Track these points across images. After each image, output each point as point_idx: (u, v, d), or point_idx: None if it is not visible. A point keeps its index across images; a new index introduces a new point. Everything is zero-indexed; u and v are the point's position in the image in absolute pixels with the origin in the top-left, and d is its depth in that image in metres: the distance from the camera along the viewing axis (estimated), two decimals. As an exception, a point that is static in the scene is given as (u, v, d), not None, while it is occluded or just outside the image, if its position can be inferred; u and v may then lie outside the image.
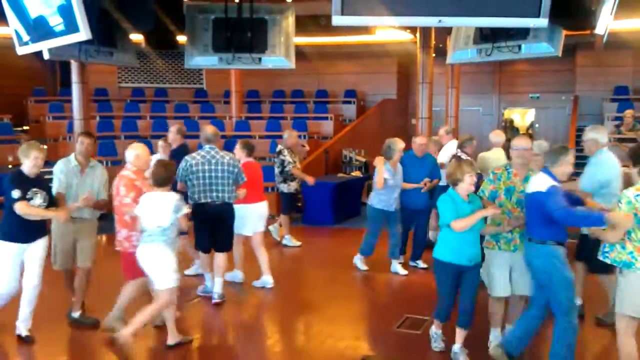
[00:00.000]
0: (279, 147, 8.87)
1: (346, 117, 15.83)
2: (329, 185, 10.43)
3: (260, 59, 8.19)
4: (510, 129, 17.66)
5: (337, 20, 4.38)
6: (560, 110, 16.27)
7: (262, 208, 7.06)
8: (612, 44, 9.05)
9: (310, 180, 8.65)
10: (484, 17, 4.55)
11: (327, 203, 10.32)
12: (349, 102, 16.21)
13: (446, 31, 10.34)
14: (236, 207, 6.42)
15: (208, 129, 6.57)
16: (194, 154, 6.37)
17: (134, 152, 5.29)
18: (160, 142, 7.62)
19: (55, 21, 5.21)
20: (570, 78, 15.54)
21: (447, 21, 4.40)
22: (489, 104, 17.19)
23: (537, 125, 16.89)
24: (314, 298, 6.76)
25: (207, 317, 6.23)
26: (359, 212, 11.16)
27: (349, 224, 10.45)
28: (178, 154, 7.00)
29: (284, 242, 8.96)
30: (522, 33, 6.35)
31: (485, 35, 6.64)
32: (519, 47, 6.57)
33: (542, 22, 4.28)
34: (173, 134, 7.69)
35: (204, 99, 16.36)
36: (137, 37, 7.64)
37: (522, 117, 18.84)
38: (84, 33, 5.02)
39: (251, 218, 6.87)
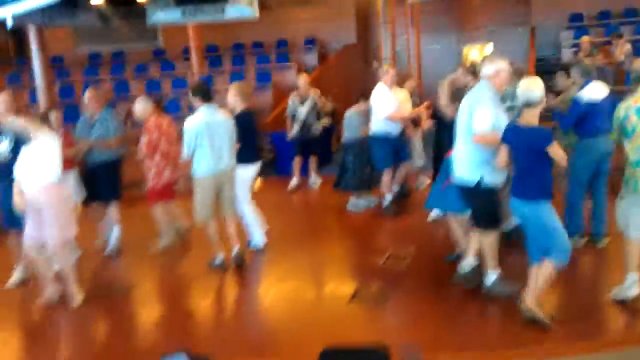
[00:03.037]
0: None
1: (308, 65, 15.78)
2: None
3: (223, 10, 8.17)
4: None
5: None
6: (518, 42, 16.47)
7: None
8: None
9: None
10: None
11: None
12: (310, 51, 16.14)
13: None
14: None
15: None
16: None
17: None
18: None
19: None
20: (526, 9, 15.73)
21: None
22: (447, 41, 17.31)
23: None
24: (301, 243, 6.92)
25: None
26: (330, 160, 11.23)
27: (322, 172, 10.50)
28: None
29: None
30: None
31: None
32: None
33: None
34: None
35: (162, 57, 16.12)
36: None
37: (481, 52, 19.01)
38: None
39: None
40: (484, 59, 5.29)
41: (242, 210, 6.48)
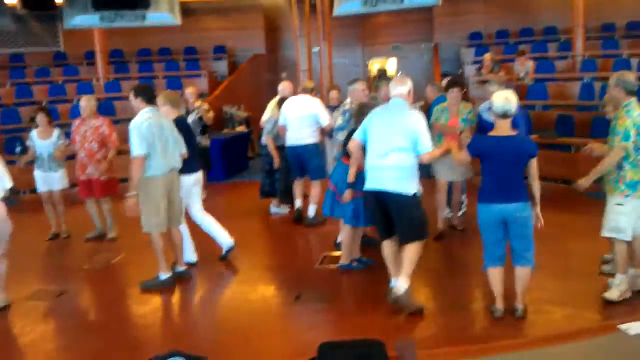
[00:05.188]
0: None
1: (218, 73, 15.69)
2: (218, 141, 10.49)
3: (144, 16, 8.00)
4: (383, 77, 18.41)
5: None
6: (419, 58, 17.21)
7: None
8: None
9: None
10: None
11: (218, 159, 10.38)
12: (220, 59, 16.06)
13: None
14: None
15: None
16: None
17: None
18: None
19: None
20: (429, 27, 16.47)
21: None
22: (354, 55, 17.80)
23: (400, 72, 17.74)
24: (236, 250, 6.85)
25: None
26: (247, 166, 11.37)
27: (240, 178, 10.66)
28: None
29: None
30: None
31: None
32: (402, -1, 7.06)
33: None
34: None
35: (64, 61, 15.47)
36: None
37: (383, 66, 19.66)
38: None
39: None
40: (394, 78, 5.54)
41: (200, 218, 6.36)
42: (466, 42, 15.39)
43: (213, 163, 9.42)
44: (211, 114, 9.01)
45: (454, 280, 5.72)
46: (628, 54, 11.92)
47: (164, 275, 5.76)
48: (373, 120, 5.05)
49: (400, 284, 4.87)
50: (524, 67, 11.56)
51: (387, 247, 5.09)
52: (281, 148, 7.83)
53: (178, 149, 5.79)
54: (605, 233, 4.96)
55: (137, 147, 5.45)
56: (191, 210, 6.28)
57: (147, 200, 5.57)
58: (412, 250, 4.87)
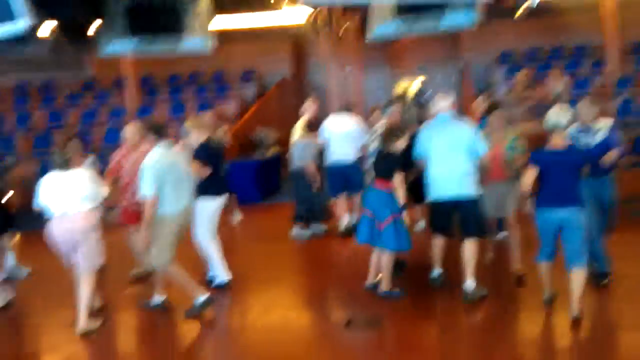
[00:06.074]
0: None
1: (246, 98, 15.75)
2: (252, 164, 10.62)
3: (178, 42, 8.05)
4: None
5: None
6: (447, 79, 17.10)
7: None
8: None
9: None
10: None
11: (252, 181, 10.40)
12: (248, 84, 16.13)
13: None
14: None
15: None
16: None
17: None
18: None
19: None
20: (457, 47, 16.38)
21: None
22: (381, 77, 17.76)
23: (429, 92, 17.60)
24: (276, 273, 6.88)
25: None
26: (279, 187, 11.41)
27: (275, 199, 10.71)
28: None
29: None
30: (441, 4, 6.72)
31: (407, 9, 6.94)
32: (439, 18, 6.96)
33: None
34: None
35: (94, 90, 15.67)
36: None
37: (409, 86, 19.52)
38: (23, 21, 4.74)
39: None
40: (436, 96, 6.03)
41: (205, 247, 6.24)
42: (496, 61, 15.26)
43: (246, 186, 9.48)
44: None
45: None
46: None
47: (200, 298, 5.62)
48: (427, 136, 5.72)
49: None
50: (559, 84, 11.27)
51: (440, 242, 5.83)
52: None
53: (190, 184, 5.75)
54: None
55: (147, 188, 5.41)
56: (200, 231, 6.17)
57: (160, 237, 5.50)
58: (470, 249, 5.54)
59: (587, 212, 5.12)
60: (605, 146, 5.36)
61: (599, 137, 5.44)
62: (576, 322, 4.81)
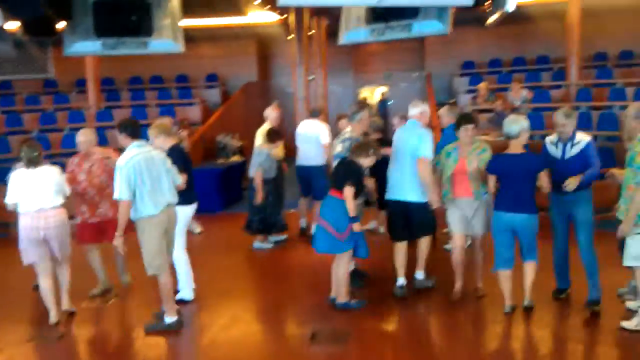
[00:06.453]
0: None
1: (210, 102, 15.58)
2: (215, 172, 10.34)
3: (146, 44, 7.87)
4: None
5: (283, 1, 4.34)
6: (411, 87, 17.26)
7: None
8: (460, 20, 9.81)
9: None
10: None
11: (215, 189, 10.17)
12: (212, 87, 15.97)
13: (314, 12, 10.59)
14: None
15: None
16: None
17: None
18: None
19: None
20: (421, 56, 16.55)
21: (386, 1, 4.63)
22: (346, 82, 17.82)
23: (390, 101, 17.75)
24: (238, 285, 6.74)
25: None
26: (241, 196, 11.10)
27: (236, 209, 10.37)
28: None
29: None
30: (413, 12, 6.72)
31: (378, 15, 6.92)
32: (410, 25, 6.97)
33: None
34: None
35: (54, 89, 15.29)
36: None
37: (371, 94, 19.64)
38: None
39: None
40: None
41: (177, 257, 5.94)
42: (459, 70, 15.45)
43: (208, 194, 9.27)
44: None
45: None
46: (623, 83, 12.02)
47: (170, 318, 5.44)
48: (396, 140, 6.08)
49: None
50: (518, 95, 11.49)
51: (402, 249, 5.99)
52: (266, 182, 7.67)
53: (172, 183, 5.51)
54: (628, 262, 4.91)
55: (120, 191, 5.17)
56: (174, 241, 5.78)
57: (148, 241, 5.28)
58: (423, 243, 6.02)
59: (556, 229, 5.52)
60: (577, 162, 5.22)
61: (573, 151, 5.29)
62: (528, 310, 5.26)
